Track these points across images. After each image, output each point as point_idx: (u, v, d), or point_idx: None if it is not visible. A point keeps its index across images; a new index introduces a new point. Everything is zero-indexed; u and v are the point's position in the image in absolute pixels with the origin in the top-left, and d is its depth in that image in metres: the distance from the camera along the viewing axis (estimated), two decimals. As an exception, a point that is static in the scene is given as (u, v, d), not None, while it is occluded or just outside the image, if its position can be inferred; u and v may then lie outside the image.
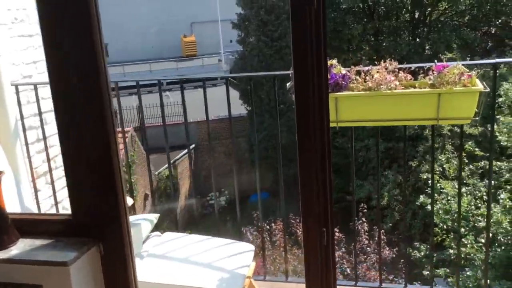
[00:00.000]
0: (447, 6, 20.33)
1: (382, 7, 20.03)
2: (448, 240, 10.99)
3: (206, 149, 23.28)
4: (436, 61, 2.29)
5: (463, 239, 10.05)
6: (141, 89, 3.57)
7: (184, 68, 34.85)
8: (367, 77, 2.33)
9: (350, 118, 2.34)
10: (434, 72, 2.21)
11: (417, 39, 19.53)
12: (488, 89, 2.16)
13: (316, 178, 1.48)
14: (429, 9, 19.93)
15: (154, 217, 2.63)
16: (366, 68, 2.38)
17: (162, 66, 33.99)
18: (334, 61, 2.36)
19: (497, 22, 19.52)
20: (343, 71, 2.35)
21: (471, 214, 10.17)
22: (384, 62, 2.34)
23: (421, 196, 10.79)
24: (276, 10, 18.32)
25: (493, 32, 19.93)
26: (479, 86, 2.15)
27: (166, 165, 19.64)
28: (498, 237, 9.50)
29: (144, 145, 19.15)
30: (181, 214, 21.06)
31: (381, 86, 2.22)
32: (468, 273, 8.96)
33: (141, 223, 2.45)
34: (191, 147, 22.08)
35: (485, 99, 2.15)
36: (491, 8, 18.66)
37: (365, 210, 10.23)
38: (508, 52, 14.76)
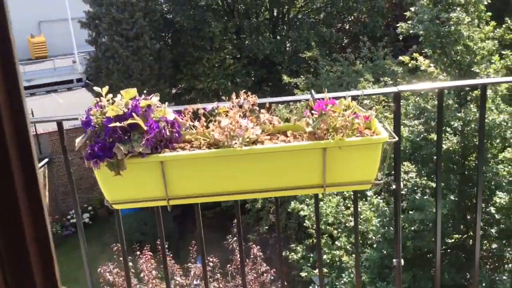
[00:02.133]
0: (303, 4, 20.72)
1: (242, 5, 19.68)
2: (322, 241, 10.85)
3: (62, 163, 20.91)
4: (313, 91, 1.47)
5: (336, 242, 9.91)
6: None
7: (33, 72, 31.25)
8: (211, 124, 1.43)
9: (188, 191, 1.43)
10: (313, 112, 1.39)
11: (278, 37, 19.55)
12: (397, 138, 1.41)
13: None
14: (286, 7, 20.07)
15: None
16: (210, 105, 1.47)
17: (6, 70, 30.02)
18: (155, 99, 1.41)
19: (350, 19, 20.40)
20: (170, 114, 1.42)
21: (341, 215, 10.09)
22: (237, 97, 1.46)
23: (291, 202, 10.46)
24: (129, 7, 16.84)
25: (347, 28, 20.80)
26: (382, 132, 1.39)
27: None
28: (370, 236, 9.49)
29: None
30: (37, 239, 18.71)
31: (234, 141, 1.35)
32: (344, 279, 8.75)
33: None
34: (44, 161, 19.60)
35: (391, 150, 1.41)
36: (344, 5, 19.38)
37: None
38: (363, 47, 15.24)
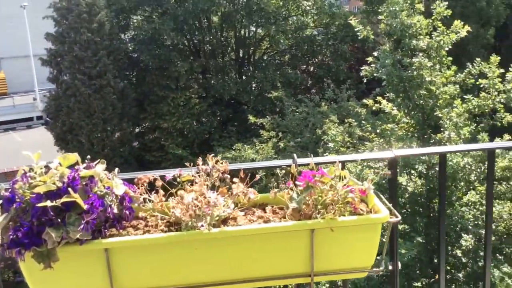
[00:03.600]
0: (268, 46, 20.99)
1: (208, 46, 19.73)
2: None
3: (17, 205, 19.87)
4: (295, 156, 1.23)
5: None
6: None
7: (-9, 109, 30.22)
8: (171, 198, 1.15)
9: (142, 284, 1.13)
10: (297, 184, 1.14)
11: (244, 77, 19.61)
12: (399, 217, 1.17)
13: None
14: (252, 48, 20.26)
15: None
16: (170, 173, 1.19)
17: (-39, 107, 28.99)
18: (100, 168, 1.11)
19: (315, 61, 20.74)
20: (120, 186, 1.12)
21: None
22: (203, 161, 1.19)
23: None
24: (93, 46, 16.53)
25: (311, 70, 21.12)
26: (382, 210, 1.15)
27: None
28: (339, 283, 9.18)
29: None
30: (-15, 286, 17.47)
31: (200, 222, 1.07)
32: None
33: None
34: (-4, 204, 18.54)
35: (392, 230, 1.17)
36: (308, 48, 19.72)
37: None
38: (327, 89, 15.40)
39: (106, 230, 1.10)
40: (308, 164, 1.19)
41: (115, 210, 1.12)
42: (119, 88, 17.18)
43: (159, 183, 1.18)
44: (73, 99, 16.86)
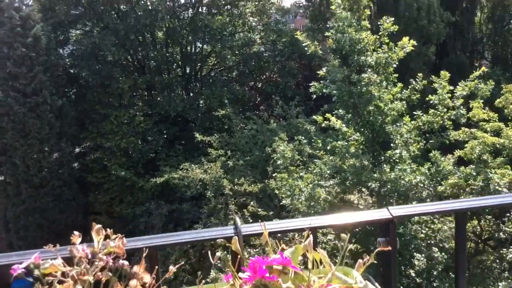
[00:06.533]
0: (215, 62, 20.59)
1: (153, 61, 19.05)
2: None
3: None
4: (238, 222, 0.75)
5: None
6: None
7: None
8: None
9: None
10: (242, 276, 0.66)
11: (191, 94, 19.06)
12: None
13: None
14: (199, 64, 19.79)
15: None
16: (23, 260, 0.69)
17: None
18: None
19: (262, 78, 20.53)
20: None
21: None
22: (84, 238, 0.70)
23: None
24: (28, 62, 15.48)
25: (259, 86, 20.88)
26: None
27: None
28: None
29: None
30: None
31: None
32: None
33: None
34: None
35: None
36: (256, 64, 19.49)
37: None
38: (276, 106, 15.17)
39: None
40: (261, 234, 0.71)
41: None
42: (57, 106, 16.17)
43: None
44: (6, 118, 15.72)
